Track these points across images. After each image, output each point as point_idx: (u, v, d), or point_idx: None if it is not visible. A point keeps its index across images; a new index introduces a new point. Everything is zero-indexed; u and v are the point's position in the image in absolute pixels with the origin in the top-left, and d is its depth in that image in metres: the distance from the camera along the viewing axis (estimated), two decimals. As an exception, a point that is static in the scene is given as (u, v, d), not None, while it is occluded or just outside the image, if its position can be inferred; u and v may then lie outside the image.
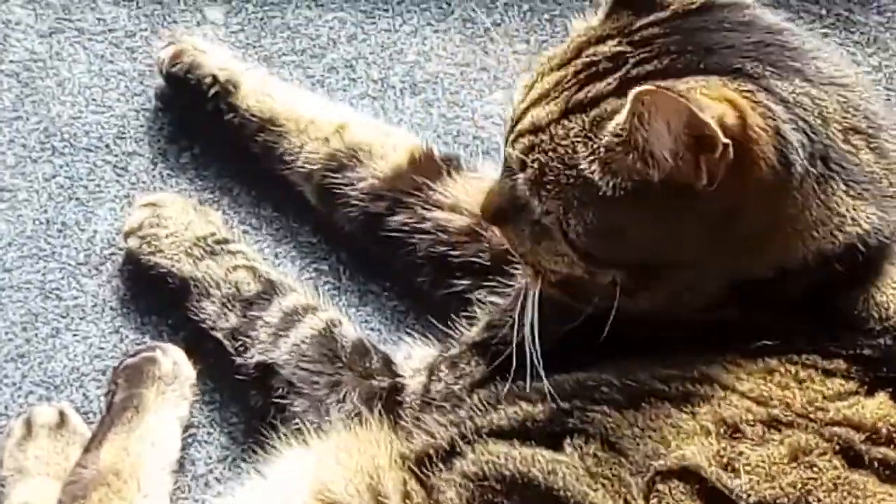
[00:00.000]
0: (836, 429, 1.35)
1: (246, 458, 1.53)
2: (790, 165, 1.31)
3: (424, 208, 1.76)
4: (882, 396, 1.38)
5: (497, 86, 1.99)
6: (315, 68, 2.00)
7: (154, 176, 1.94)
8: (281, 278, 1.77)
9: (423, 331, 1.72)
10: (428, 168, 1.79)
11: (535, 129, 1.36)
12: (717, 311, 1.39)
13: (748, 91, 1.31)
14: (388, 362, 1.66)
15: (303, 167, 1.83)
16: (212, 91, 1.88)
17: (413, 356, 1.66)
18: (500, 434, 1.42)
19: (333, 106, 1.92)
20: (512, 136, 1.39)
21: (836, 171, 1.35)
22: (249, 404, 1.71)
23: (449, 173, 1.78)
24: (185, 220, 1.82)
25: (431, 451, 1.43)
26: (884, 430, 1.36)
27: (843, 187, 1.36)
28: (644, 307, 1.39)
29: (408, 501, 1.38)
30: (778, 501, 1.31)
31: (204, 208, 1.88)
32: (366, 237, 1.82)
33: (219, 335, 1.72)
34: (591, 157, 1.32)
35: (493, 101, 1.99)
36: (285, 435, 1.52)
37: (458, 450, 1.42)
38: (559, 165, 1.34)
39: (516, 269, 1.62)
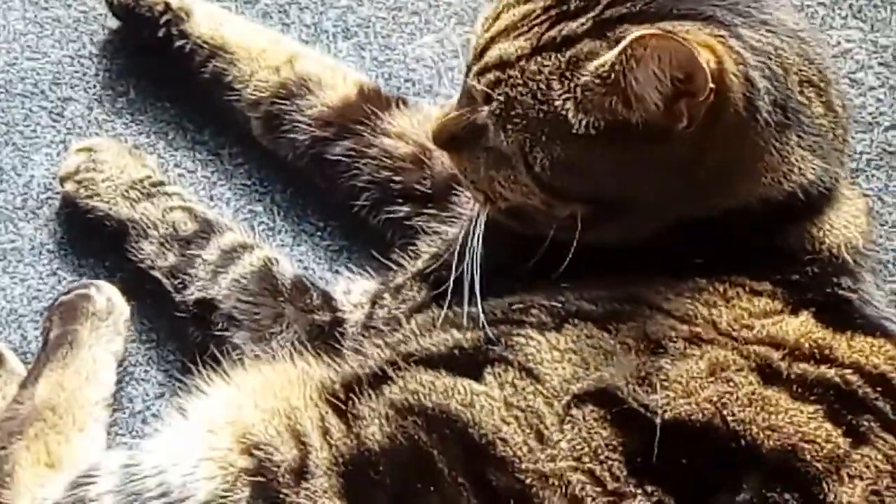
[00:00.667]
0: (756, 347, 1.41)
1: (180, 395, 1.54)
2: (756, 111, 1.37)
3: (371, 134, 1.80)
4: (805, 315, 1.43)
5: (428, 29, 2.02)
6: (249, 13, 2.01)
7: (90, 121, 1.95)
8: (218, 218, 1.81)
9: (359, 267, 1.75)
10: (376, 99, 1.83)
11: (503, 64, 1.39)
12: (658, 242, 1.44)
13: (721, 37, 1.35)
14: (328, 298, 1.69)
15: (252, 94, 1.86)
16: (164, 18, 1.90)
17: (352, 290, 1.69)
18: (428, 362, 1.45)
19: (284, 38, 1.95)
20: (476, 68, 1.42)
21: (792, 120, 1.41)
22: (186, 342, 1.75)
23: (397, 105, 1.83)
24: (120, 164, 1.84)
25: (363, 376, 1.46)
26: (805, 346, 1.41)
27: (796, 137, 1.42)
28: (592, 239, 1.43)
29: (327, 437, 1.40)
30: (693, 416, 1.35)
31: (139, 152, 1.90)
32: (309, 165, 1.84)
33: (158, 274, 1.75)
34: (566, 96, 1.36)
35: (424, 44, 2.01)
36: (209, 375, 1.52)
37: (388, 375, 1.44)
38: (530, 101, 1.37)
39: (460, 196, 1.68)
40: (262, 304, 1.68)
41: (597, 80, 1.34)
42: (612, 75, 1.32)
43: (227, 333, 1.68)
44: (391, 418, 1.40)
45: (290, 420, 1.42)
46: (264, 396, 1.45)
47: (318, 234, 1.89)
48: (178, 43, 1.90)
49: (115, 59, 1.97)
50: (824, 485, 1.34)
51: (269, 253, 1.75)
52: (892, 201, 1.92)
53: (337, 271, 1.82)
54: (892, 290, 1.82)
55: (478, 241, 1.46)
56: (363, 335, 1.60)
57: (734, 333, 1.42)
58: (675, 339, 1.41)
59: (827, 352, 1.42)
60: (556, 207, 1.44)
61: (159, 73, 1.94)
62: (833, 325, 1.44)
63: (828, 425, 1.36)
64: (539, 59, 1.38)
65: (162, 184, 1.83)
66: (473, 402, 1.39)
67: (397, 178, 1.78)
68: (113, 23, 1.98)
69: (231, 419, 1.43)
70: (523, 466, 1.35)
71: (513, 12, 1.41)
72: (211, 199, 1.91)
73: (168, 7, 1.90)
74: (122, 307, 1.78)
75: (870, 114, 1.97)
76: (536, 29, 1.39)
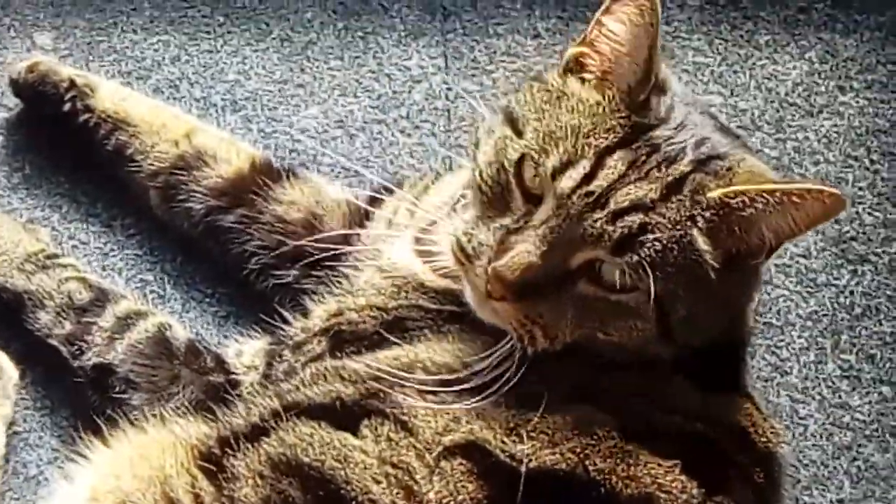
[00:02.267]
0: (628, 403, 1.50)
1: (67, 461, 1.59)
2: None
3: (264, 202, 1.88)
4: (679, 377, 1.54)
5: (313, 101, 2.10)
6: (141, 89, 2.08)
7: (-15, 196, 2.00)
8: (112, 287, 1.86)
9: (247, 331, 1.81)
10: (268, 171, 1.92)
11: (642, 208, 1.43)
12: None
13: None
14: (220, 361, 1.76)
15: (152, 165, 1.93)
16: (69, 94, 1.96)
17: (244, 352, 1.76)
18: (310, 412, 1.51)
19: (183, 114, 2.02)
20: (605, 214, 1.43)
21: None
22: (79, 409, 1.79)
23: (287, 176, 1.90)
24: (15, 239, 1.90)
25: (243, 431, 1.52)
26: (678, 402, 1.52)
27: None
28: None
29: (199, 502, 1.46)
30: (556, 466, 1.44)
31: (34, 226, 1.96)
32: (203, 234, 1.92)
33: (55, 342, 1.80)
34: (700, 234, 1.43)
35: (308, 115, 2.09)
36: (94, 442, 1.58)
37: (270, 426, 1.50)
38: (675, 246, 1.43)
39: (349, 257, 1.75)
40: (158, 366, 1.74)
41: (725, 210, 1.43)
42: (749, 210, 1.42)
43: (124, 396, 1.73)
44: (266, 477, 1.46)
45: (165, 487, 1.47)
46: (141, 465, 1.50)
47: (207, 300, 1.96)
48: (83, 118, 1.97)
49: (11, 136, 2.03)
50: (679, 531, 1.42)
51: (163, 319, 1.81)
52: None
53: (225, 336, 1.89)
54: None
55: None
56: (258, 392, 1.65)
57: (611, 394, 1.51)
58: (545, 396, 1.47)
59: (696, 409, 1.51)
60: (653, 347, 1.50)
61: (54, 149, 2.01)
62: (704, 385, 1.53)
63: (683, 477, 1.45)
64: (671, 202, 1.43)
65: (56, 256, 1.89)
66: (348, 458, 1.45)
67: (289, 242, 1.85)
68: (10, 101, 2.04)
69: (111, 488, 1.49)
70: None
71: (615, 160, 1.44)
72: (104, 269, 1.96)
73: (73, 84, 1.97)
74: (11, 372, 1.82)
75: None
76: (654, 173, 1.44)
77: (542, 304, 1.46)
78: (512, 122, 1.50)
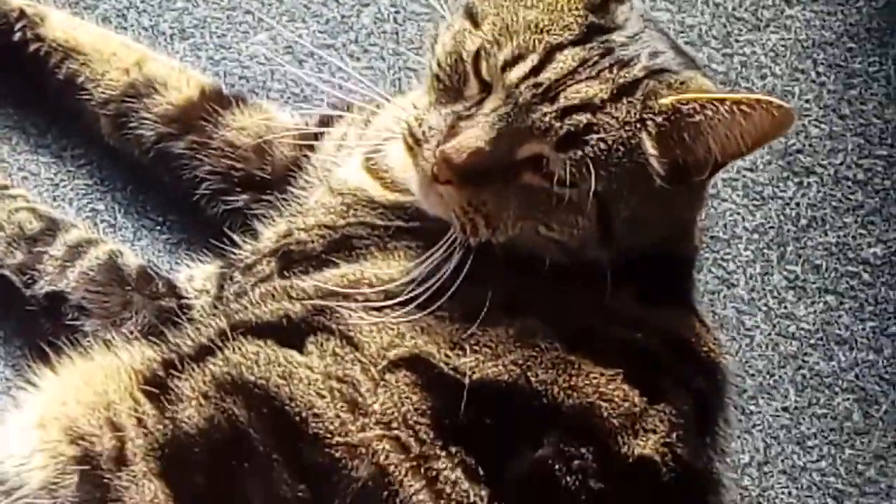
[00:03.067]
0: (570, 315, 1.52)
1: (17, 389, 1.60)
2: None
3: (214, 128, 1.89)
4: (629, 290, 1.55)
5: (261, 27, 2.09)
6: (90, 18, 2.06)
7: (-66, 129, 2.00)
8: (62, 216, 1.87)
9: (199, 255, 1.83)
10: (218, 98, 1.92)
11: (591, 107, 1.44)
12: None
13: None
14: (172, 285, 1.77)
15: (103, 93, 1.93)
16: (19, 24, 1.96)
17: (195, 276, 1.78)
18: (257, 331, 1.53)
19: (134, 43, 2.02)
20: (553, 108, 1.43)
21: None
22: (32, 339, 1.80)
23: (237, 104, 1.91)
24: None
25: (188, 352, 1.54)
26: (623, 313, 1.53)
27: None
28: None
29: (141, 425, 1.48)
30: (499, 377, 1.46)
31: (-17, 158, 1.96)
32: (154, 161, 1.92)
33: (6, 272, 1.80)
34: (649, 139, 1.44)
35: (257, 42, 2.09)
36: (41, 369, 1.59)
37: (216, 346, 1.52)
38: (622, 148, 1.44)
39: (298, 181, 1.77)
40: (110, 293, 1.76)
41: (675, 116, 1.43)
42: (699, 116, 1.43)
43: (77, 323, 1.74)
44: (210, 397, 1.47)
45: (108, 412, 1.49)
46: (86, 391, 1.52)
47: (158, 228, 1.97)
48: (33, 47, 1.96)
49: (-41, 69, 2.03)
50: (619, 438, 1.45)
51: (114, 246, 1.82)
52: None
53: (177, 263, 1.89)
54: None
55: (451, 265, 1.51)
56: (207, 314, 1.67)
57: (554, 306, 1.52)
58: (487, 309, 1.49)
59: (639, 321, 1.53)
60: (593, 248, 1.51)
61: (2, 82, 2.00)
62: (649, 298, 1.55)
63: (625, 386, 1.47)
64: (622, 103, 1.44)
65: (6, 187, 1.89)
66: (293, 375, 1.47)
67: (238, 167, 1.87)
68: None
69: (58, 414, 1.50)
70: (334, 441, 1.43)
71: (565, 56, 1.45)
72: (55, 199, 1.97)
73: (23, 13, 1.96)
74: None
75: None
76: (606, 74, 1.45)
77: (487, 191, 1.47)
78: (471, 15, 1.51)
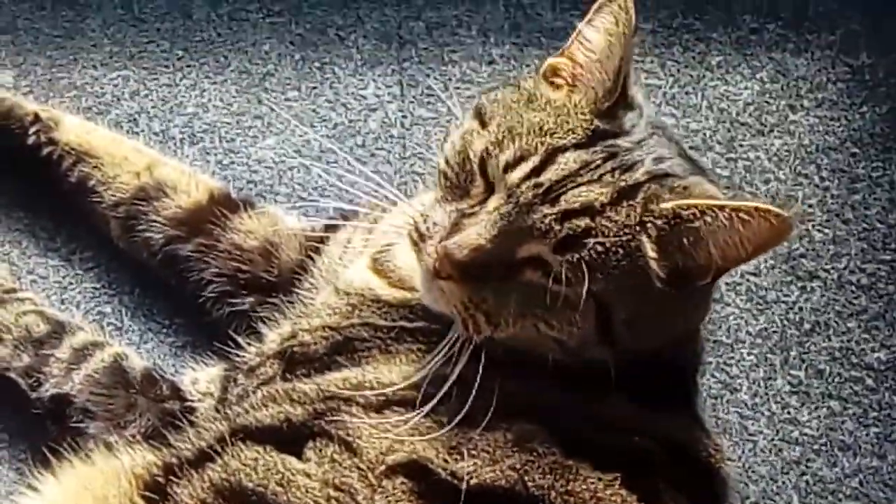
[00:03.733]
0: (571, 422, 1.51)
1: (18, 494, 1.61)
2: None
3: (222, 231, 1.91)
4: (622, 395, 1.54)
5: (270, 132, 2.12)
6: (101, 124, 2.10)
7: (-57, 235, 2.03)
8: (69, 319, 1.89)
9: (203, 358, 1.83)
10: (226, 202, 1.95)
11: (591, 211, 1.45)
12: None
13: None
14: (176, 388, 1.78)
15: (114, 196, 1.96)
16: (33, 128, 1.99)
17: (199, 379, 1.79)
18: (256, 435, 1.53)
19: (144, 147, 2.05)
20: (553, 211, 1.44)
21: None
22: (36, 442, 1.80)
23: (245, 208, 1.94)
24: None
25: (188, 457, 1.54)
26: (620, 419, 1.53)
27: None
28: None
29: None
30: (497, 483, 1.45)
31: (-8, 262, 1.98)
32: (162, 263, 1.94)
33: (13, 375, 1.82)
34: (649, 242, 1.45)
35: (266, 146, 2.12)
36: (42, 473, 1.60)
37: (215, 451, 1.52)
38: (621, 252, 1.45)
39: (304, 282, 1.79)
40: (115, 395, 1.77)
41: (676, 221, 1.44)
42: (699, 222, 1.43)
43: (82, 425, 1.75)
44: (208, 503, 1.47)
45: None
46: (85, 497, 1.53)
47: (164, 331, 1.99)
48: (47, 150, 1.99)
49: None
50: (617, 543, 1.44)
51: (119, 349, 1.84)
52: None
53: (182, 366, 1.90)
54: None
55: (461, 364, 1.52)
56: (209, 418, 1.67)
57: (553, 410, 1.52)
58: (484, 413, 1.49)
59: (637, 426, 1.52)
60: (593, 349, 1.51)
61: (13, 185, 2.04)
62: (650, 402, 1.55)
63: (623, 491, 1.47)
64: (622, 207, 1.45)
65: (14, 290, 1.91)
66: (291, 482, 1.47)
67: (245, 269, 1.88)
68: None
69: None
70: None
71: (567, 158, 1.47)
72: (62, 302, 1.99)
73: (38, 118, 2.00)
74: None
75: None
76: (608, 178, 1.46)
77: (487, 287, 1.48)
78: (480, 116, 1.54)
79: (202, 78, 2.16)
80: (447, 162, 1.53)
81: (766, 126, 2.16)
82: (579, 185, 1.45)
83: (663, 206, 1.45)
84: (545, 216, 1.44)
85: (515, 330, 1.50)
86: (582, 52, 1.53)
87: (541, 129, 1.48)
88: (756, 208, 1.41)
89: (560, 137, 1.47)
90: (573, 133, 1.48)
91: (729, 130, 2.15)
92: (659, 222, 1.44)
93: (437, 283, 1.50)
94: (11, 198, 2.05)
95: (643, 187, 1.46)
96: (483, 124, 1.52)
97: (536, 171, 1.45)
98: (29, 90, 2.13)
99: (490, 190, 1.48)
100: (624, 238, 1.44)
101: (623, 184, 1.45)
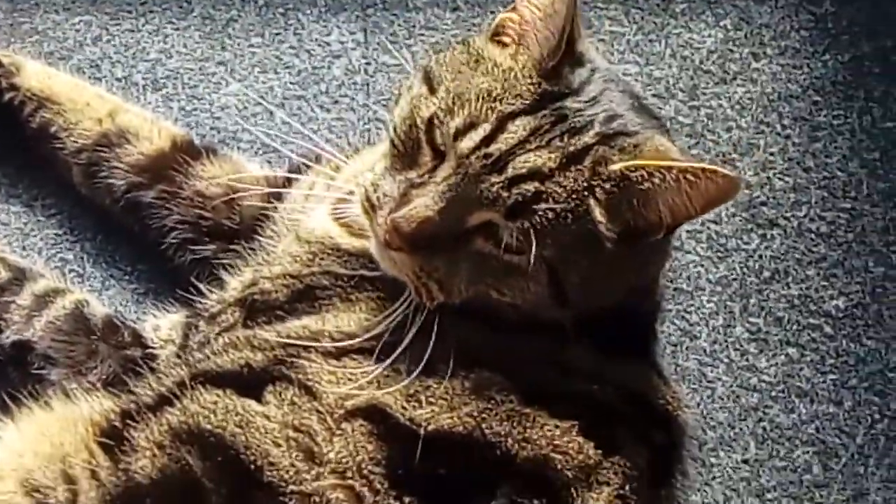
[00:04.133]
0: (529, 370, 1.52)
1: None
2: None
3: (184, 178, 1.91)
4: (586, 342, 1.56)
5: (233, 78, 2.12)
6: (62, 69, 2.09)
7: None
8: (30, 266, 1.88)
9: (165, 305, 1.84)
10: (188, 149, 1.94)
11: (540, 176, 1.44)
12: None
13: None
14: (137, 335, 1.79)
15: (76, 142, 1.95)
16: None
17: (161, 326, 1.79)
18: (216, 380, 1.54)
19: (107, 94, 2.04)
20: (501, 178, 1.44)
21: None
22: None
23: (207, 155, 1.93)
24: None
25: (147, 403, 1.55)
26: (581, 366, 1.54)
27: None
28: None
29: (95, 477, 1.49)
30: (454, 429, 1.47)
31: (-46, 208, 1.98)
32: (124, 210, 1.94)
33: None
34: (597, 206, 1.45)
35: (229, 92, 2.11)
36: (2, 420, 1.60)
37: (175, 395, 1.53)
38: (569, 216, 1.45)
39: (265, 231, 1.78)
40: (76, 342, 1.77)
41: (624, 183, 1.44)
42: (647, 183, 1.43)
43: (43, 372, 1.75)
44: (164, 447, 1.48)
45: (63, 465, 1.50)
46: (42, 443, 1.53)
47: (126, 278, 1.99)
48: (8, 96, 1.98)
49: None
50: (573, 490, 1.46)
51: (80, 296, 1.83)
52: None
53: (144, 313, 1.90)
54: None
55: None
56: (169, 364, 1.68)
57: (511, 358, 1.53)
58: (446, 361, 1.50)
59: (597, 373, 1.54)
60: (547, 310, 1.51)
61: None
62: (608, 351, 1.56)
63: (580, 438, 1.48)
64: (570, 171, 1.45)
65: (-26, 237, 1.90)
66: (250, 423, 1.48)
67: (207, 216, 1.89)
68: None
69: (15, 466, 1.51)
70: (288, 489, 1.44)
71: (517, 126, 1.46)
72: (24, 248, 1.99)
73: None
74: None
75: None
76: (556, 142, 1.46)
77: (438, 257, 1.48)
78: (428, 80, 1.52)
79: (165, 24, 2.15)
80: (395, 130, 1.52)
81: (728, 74, 2.16)
82: (528, 150, 1.44)
83: (611, 168, 1.44)
84: (493, 184, 1.44)
85: (468, 296, 1.51)
86: (528, 8, 1.51)
87: (489, 94, 1.47)
88: (703, 169, 1.41)
89: (509, 103, 1.46)
90: (521, 98, 1.47)
91: (692, 78, 2.16)
92: (607, 185, 1.45)
93: (389, 253, 1.51)
94: (-27, 143, 2.04)
95: (592, 150, 1.46)
96: (432, 90, 1.51)
97: (486, 140, 1.45)
98: (-10, 35, 2.11)
99: (439, 158, 1.48)
100: (573, 203, 1.44)
101: (572, 148, 1.45)
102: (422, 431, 1.45)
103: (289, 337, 1.56)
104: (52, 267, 1.97)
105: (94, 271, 1.99)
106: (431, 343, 1.50)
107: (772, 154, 2.12)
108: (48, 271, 1.89)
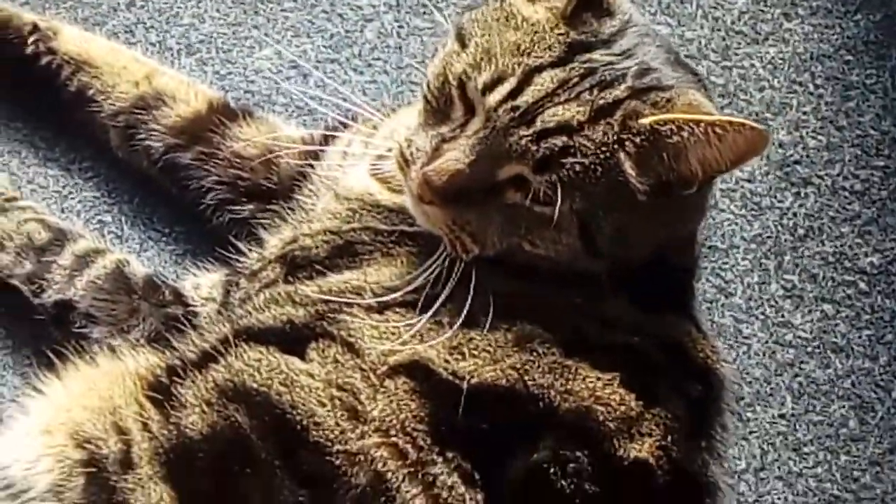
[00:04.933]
0: (570, 320, 1.54)
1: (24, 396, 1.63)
2: None
3: (221, 139, 1.92)
4: (623, 297, 1.57)
5: (266, 42, 2.12)
6: (97, 33, 2.10)
7: (-56, 143, 2.04)
8: (70, 227, 1.90)
9: (205, 264, 1.85)
10: (225, 111, 1.96)
11: (568, 130, 1.45)
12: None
13: None
14: (178, 293, 1.80)
15: (113, 105, 1.97)
16: (32, 37, 1.99)
17: (201, 285, 1.80)
18: (259, 337, 1.55)
19: (143, 57, 2.05)
20: (529, 131, 1.45)
21: None
22: (40, 348, 1.82)
23: (244, 117, 1.95)
24: None
25: (192, 359, 1.56)
26: (620, 319, 1.55)
27: None
28: None
29: (147, 430, 1.51)
30: (497, 382, 1.48)
31: (-8, 171, 2.00)
32: (162, 172, 1.95)
33: (15, 282, 1.83)
34: (628, 159, 1.46)
35: (263, 56, 2.12)
36: (48, 376, 1.62)
37: (219, 352, 1.54)
38: (599, 169, 1.46)
39: (303, 190, 1.79)
40: (117, 300, 1.78)
41: (654, 137, 1.45)
42: (676, 137, 1.44)
43: (85, 330, 1.77)
44: (212, 404, 1.50)
45: (114, 416, 1.52)
46: (91, 397, 1.55)
47: (164, 239, 2.00)
48: (45, 60, 1.99)
49: (-32, 81, 2.06)
50: (615, 442, 1.47)
51: (121, 256, 1.85)
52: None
53: (183, 273, 1.91)
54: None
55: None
56: (212, 320, 1.69)
57: (552, 311, 1.54)
58: (485, 314, 1.51)
59: (636, 326, 1.55)
60: (581, 262, 1.52)
61: (11, 96, 2.04)
62: (647, 304, 1.57)
63: (622, 390, 1.49)
64: (600, 125, 1.46)
65: (15, 199, 1.92)
66: (294, 382, 1.49)
67: (245, 177, 1.90)
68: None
69: (64, 420, 1.53)
70: (334, 449, 1.45)
71: (544, 78, 1.47)
72: (63, 211, 2.00)
73: (36, 27, 2.00)
74: None
75: (675, 103, 2.10)
76: (585, 95, 1.46)
77: (471, 210, 1.50)
78: (461, 37, 1.53)
79: (199, -12, 2.16)
80: (428, 86, 1.53)
81: (760, 34, 2.16)
82: (556, 104, 1.45)
83: (641, 122, 1.45)
84: (521, 137, 1.45)
85: (502, 249, 1.52)
86: None
87: (518, 48, 1.48)
88: (731, 122, 1.42)
89: (537, 56, 1.47)
90: (550, 50, 1.47)
91: (724, 39, 2.16)
92: (637, 139, 1.45)
93: (422, 207, 1.52)
94: (11, 108, 2.05)
95: (623, 104, 1.46)
96: (463, 46, 1.52)
97: (513, 93, 1.45)
98: (26, 1, 2.12)
99: (470, 113, 1.49)
100: (602, 156, 1.45)
101: (602, 101, 1.46)
102: (465, 385, 1.46)
103: (330, 292, 1.58)
104: (91, 229, 1.98)
105: (132, 233, 2.01)
106: (470, 295, 1.51)
107: (805, 113, 2.13)
108: (88, 232, 1.91)
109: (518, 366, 1.49)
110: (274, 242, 1.74)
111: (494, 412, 1.47)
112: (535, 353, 1.50)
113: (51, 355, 1.67)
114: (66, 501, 1.48)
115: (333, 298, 1.57)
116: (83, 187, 2.03)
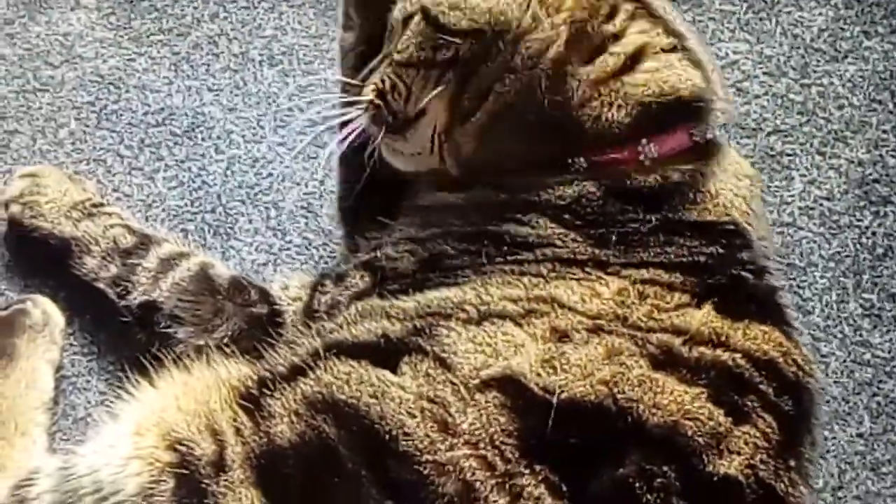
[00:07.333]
0: (658, 335, 1.53)
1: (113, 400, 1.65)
2: None
3: None
4: (708, 307, 1.57)
5: (348, 55, 2.13)
6: (180, 46, 2.14)
7: (33, 151, 2.07)
8: (154, 232, 1.93)
9: (286, 274, 1.88)
10: None
11: None
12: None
13: None
14: (265, 293, 1.80)
15: None
16: None
17: (289, 286, 1.80)
18: (351, 351, 1.56)
19: None
20: None
21: None
22: (123, 354, 1.86)
23: None
24: (62, 188, 1.96)
25: (281, 372, 1.58)
26: (705, 334, 1.54)
27: None
28: None
29: (240, 435, 1.52)
30: (587, 397, 1.48)
31: (79, 177, 2.02)
32: None
33: (101, 285, 1.85)
34: None
35: (343, 68, 2.13)
36: (139, 381, 1.64)
37: (308, 366, 1.56)
38: None
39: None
40: (202, 301, 1.79)
41: None
42: None
43: (170, 331, 1.78)
44: (301, 415, 1.51)
45: (209, 420, 1.54)
46: (186, 400, 1.57)
47: (246, 249, 2.02)
48: None
49: (56, 93, 2.09)
50: (704, 458, 1.47)
51: (205, 259, 1.87)
52: (773, 201, 2.09)
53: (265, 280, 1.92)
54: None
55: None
56: (303, 324, 1.70)
57: (641, 324, 1.55)
58: (578, 331, 1.52)
59: (723, 339, 1.55)
60: None
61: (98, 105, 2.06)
62: (731, 314, 1.57)
63: (710, 405, 1.49)
64: None
65: (101, 205, 1.95)
66: (385, 394, 1.50)
67: None
68: (55, 59, 2.10)
69: (156, 422, 1.55)
70: (423, 459, 1.45)
71: None
72: (146, 219, 2.02)
73: None
74: (58, 318, 1.90)
75: (754, 120, 2.12)
76: None
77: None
78: None
79: (280, 1, 2.17)
80: None
81: (840, 52, 2.16)
82: None
83: None
84: None
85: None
86: None
87: None
88: None
89: None
90: None
91: (803, 56, 2.16)
92: None
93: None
94: (96, 117, 2.08)
95: None
96: None
97: None
98: (111, 11, 2.15)
99: None
100: None
101: None
102: (555, 400, 1.46)
103: (429, 306, 1.59)
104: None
105: (215, 242, 2.03)
106: (568, 315, 1.53)
107: (884, 132, 2.12)
108: (172, 237, 1.93)
109: (608, 379, 1.49)
110: (361, 244, 1.76)
111: (583, 426, 1.47)
112: (623, 367, 1.50)
113: (138, 359, 1.69)
114: (155, 506, 1.49)
115: (432, 313, 1.58)
116: (167, 196, 2.05)
